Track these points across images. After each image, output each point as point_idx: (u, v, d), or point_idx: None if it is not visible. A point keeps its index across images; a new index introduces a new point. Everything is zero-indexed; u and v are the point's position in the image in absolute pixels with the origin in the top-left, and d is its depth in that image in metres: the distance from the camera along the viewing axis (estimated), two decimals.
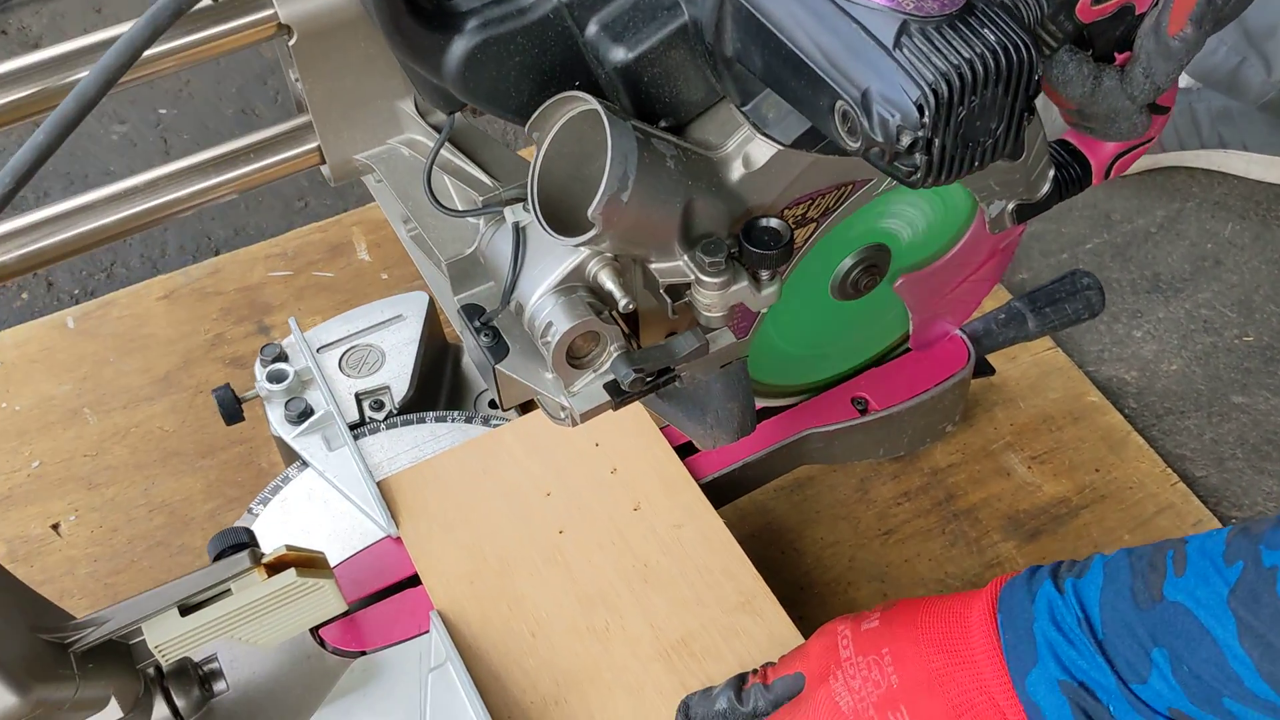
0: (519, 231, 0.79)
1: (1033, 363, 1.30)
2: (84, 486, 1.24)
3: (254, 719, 0.95)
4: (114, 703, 0.89)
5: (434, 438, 1.12)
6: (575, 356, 0.80)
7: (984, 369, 1.22)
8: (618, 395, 0.81)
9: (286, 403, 1.12)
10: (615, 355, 0.80)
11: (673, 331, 0.84)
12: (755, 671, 0.89)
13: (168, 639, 0.89)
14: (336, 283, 1.41)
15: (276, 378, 1.13)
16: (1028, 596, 0.77)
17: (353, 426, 1.13)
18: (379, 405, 1.15)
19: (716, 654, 0.95)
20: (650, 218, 0.73)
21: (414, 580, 1.03)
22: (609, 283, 0.77)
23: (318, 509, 1.08)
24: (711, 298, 0.77)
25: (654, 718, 0.92)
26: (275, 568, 0.92)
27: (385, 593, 1.02)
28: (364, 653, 0.98)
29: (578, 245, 0.73)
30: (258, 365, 1.15)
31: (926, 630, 0.81)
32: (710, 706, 0.89)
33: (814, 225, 0.88)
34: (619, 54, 0.72)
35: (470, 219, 0.82)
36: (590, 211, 0.70)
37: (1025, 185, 0.97)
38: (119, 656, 0.91)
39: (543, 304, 0.77)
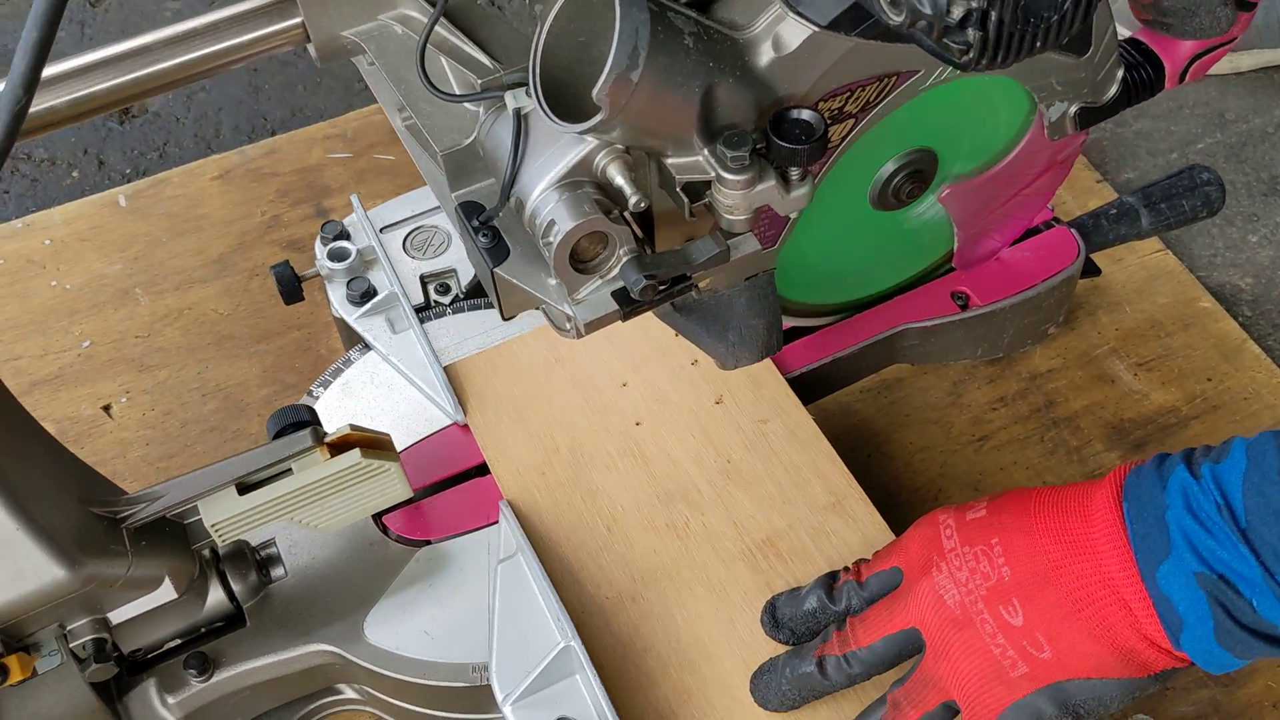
0: (520, 119, 0.71)
1: (1140, 265, 1.21)
2: (135, 368, 1.19)
3: (313, 606, 0.90)
4: (168, 583, 0.84)
5: (502, 324, 1.06)
6: (581, 260, 0.73)
7: (1089, 269, 1.13)
8: (627, 305, 0.74)
9: (349, 282, 1.06)
10: (625, 260, 0.73)
11: (691, 238, 0.76)
12: (847, 569, 0.83)
13: (224, 518, 0.84)
14: (398, 166, 1.34)
15: (338, 256, 1.07)
16: (1159, 484, 0.70)
17: (418, 310, 1.06)
18: (444, 289, 1.09)
19: (804, 555, 0.89)
20: (665, 103, 0.66)
21: (481, 469, 0.97)
22: (618, 178, 0.69)
23: (381, 393, 1.02)
24: (734, 198, 0.69)
25: (737, 618, 0.86)
26: (338, 448, 0.86)
27: (451, 482, 0.97)
28: (429, 542, 0.93)
29: (583, 132, 0.65)
30: (318, 244, 1.09)
31: (1041, 519, 0.74)
32: (798, 606, 0.83)
33: (851, 122, 0.80)
34: None
35: (468, 105, 0.74)
36: (595, 92, 0.63)
37: (1090, 86, 0.88)
38: (174, 536, 0.86)
39: (545, 200, 0.70)
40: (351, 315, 1.05)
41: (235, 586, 0.89)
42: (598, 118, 0.64)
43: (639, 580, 0.89)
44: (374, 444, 0.87)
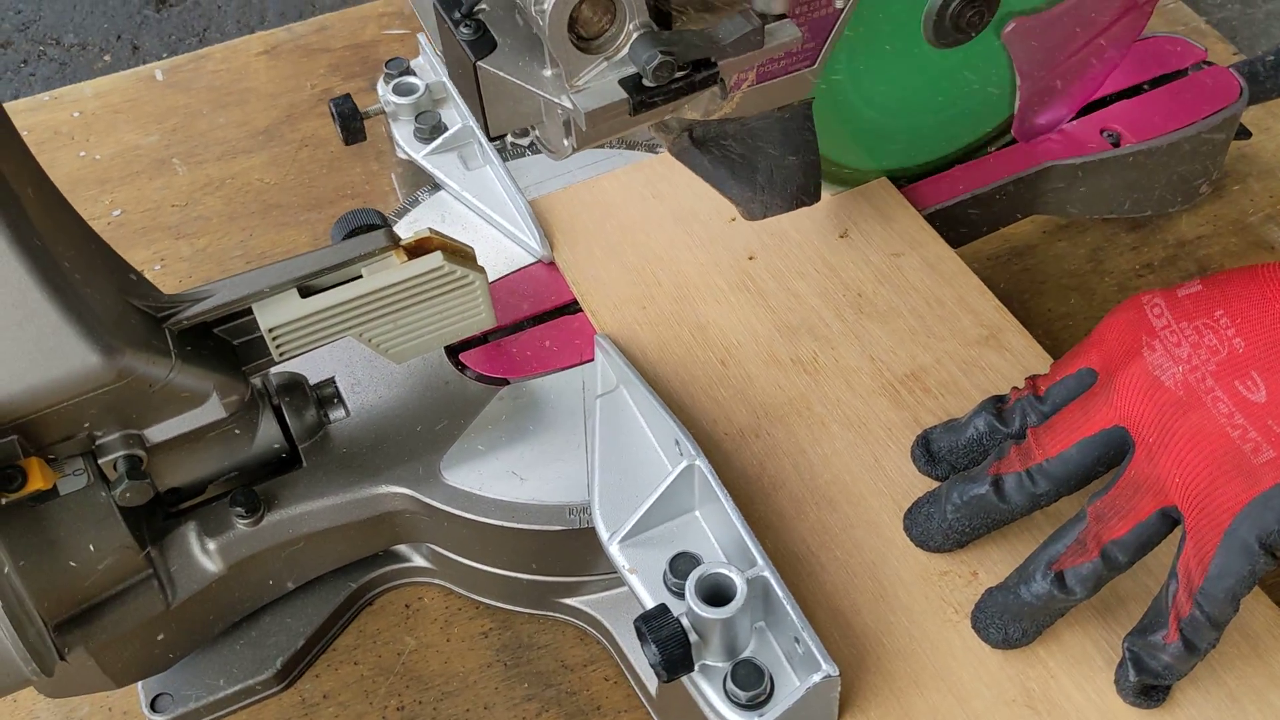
0: None
1: None
2: (171, 236, 1.07)
3: (380, 447, 0.78)
4: (215, 401, 0.71)
5: (590, 163, 0.94)
6: (583, 35, 0.61)
7: (1240, 131, 1.01)
8: (638, 94, 0.61)
9: (417, 117, 0.95)
10: (636, 35, 0.60)
11: None
12: (1016, 389, 0.70)
13: (283, 322, 0.72)
14: None
15: (405, 90, 0.95)
16: None
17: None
18: (523, 131, 0.97)
19: (956, 388, 0.76)
20: None
21: (567, 309, 0.85)
22: None
23: (454, 231, 0.89)
24: None
25: (881, 455, 0.73)
26: (416, 252, 0.74)
27: (534, 322, 0.84)
28: (512, 381, 0.81)
29: None
30: (381, 82, 0.97)
31: (1276, 286, 0.61)
32: (959, 435, 0.70)
33: None
34: None
35: None
36: None
37: None
38: (224, 351, 0.73)
39: None
40: (420, 153, 0.93)
41: (290, 422, 0.77)
42: None
43: (762, 416, 0.76)
44: (457, 251, 0.75)
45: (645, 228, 0.87)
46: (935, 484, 0.71)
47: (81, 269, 0.65)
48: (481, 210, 0.90)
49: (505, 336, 0.83)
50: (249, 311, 0.72)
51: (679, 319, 0.81)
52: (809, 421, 0.75)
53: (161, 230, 1.08)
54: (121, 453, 0.69)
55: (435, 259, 0.73)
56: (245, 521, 0.74)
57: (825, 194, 0.86)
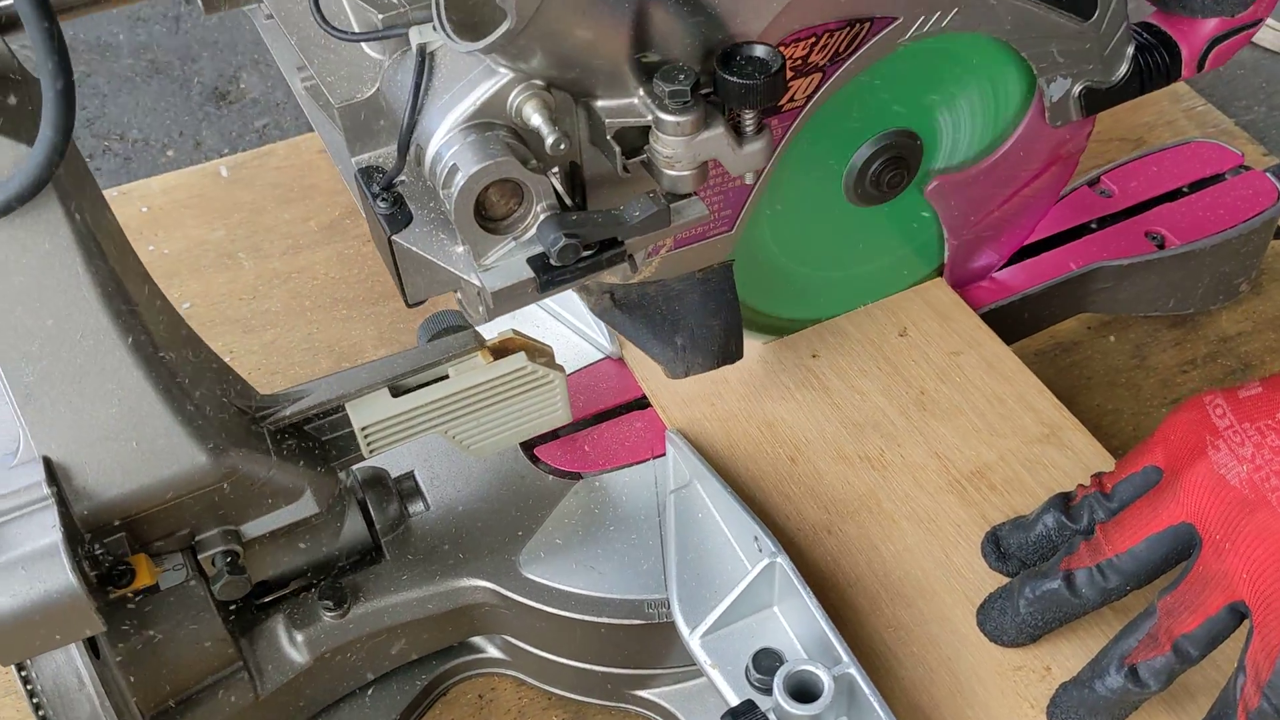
0: (425, 56, 0.60)
1: None
2: (240, 329, 1.11)
3: (459, 541, 0.80)
4: (308, 497, 0.74)
5: None
6: (490, 216, 0.61)
7: (1277, 230, 1.05)
8: (545, 272, 0.61)
9: None
10: (544, 217, 0.60)
11: None
12: (1081, 486, 0.72)
13: (375, 421, 0.74)
14: None
15: None
16: None
17: None
18: None
19: (1020, 486, 0.79)
20: (587, 19, 0.56)
21: (637, 405, 0.87)
22: (535, 116, 0.59)
23: (522, 328, 0.93)
24: (675, 147, 0.59)
25: (952, 551, 0.75)
26: (500, 353, 0.77)
27: (606, 417, 0.87)
28: (586, 475, 0.83)
29: (487, 49, 0.55)
30: None
31: None
32: (1028, 533, 0.73)
33: (818, 76, 0.70)
34: None
35: (370, 50, 0.63)
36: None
37: (1097, 60, 0.79)
38: (314, 447, 0.76)
39: (449, 143, 0.59)
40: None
41: (375, 516, 0.79)
42: (503, 27, 0.54)
43: (833, 512, 0.78)
44: (538, 351, 0.78)
45: None
46: (1005, 579, 0.74)
47: (188, 370, 0.68)
48: (550, 307, 0.93)
49: (577, 431, 0.86)
50: (341, 409, 0.76)
51: (747, 415, 0.84)
52: (879, 518, 0.78)
53: (229, 323, 1.11)
54: (220, 548, 0.71)
55: (519, 359, 0.76)
56: (332, 614, 0.77)
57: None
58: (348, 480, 0.80)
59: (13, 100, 0.61)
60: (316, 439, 0.77)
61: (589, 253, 0.61)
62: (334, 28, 0.61)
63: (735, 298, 0.78)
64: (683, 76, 0.58)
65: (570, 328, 0.92)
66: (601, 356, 0.90)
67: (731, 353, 0.80)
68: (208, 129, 1.41)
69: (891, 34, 0.70)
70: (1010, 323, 0.93)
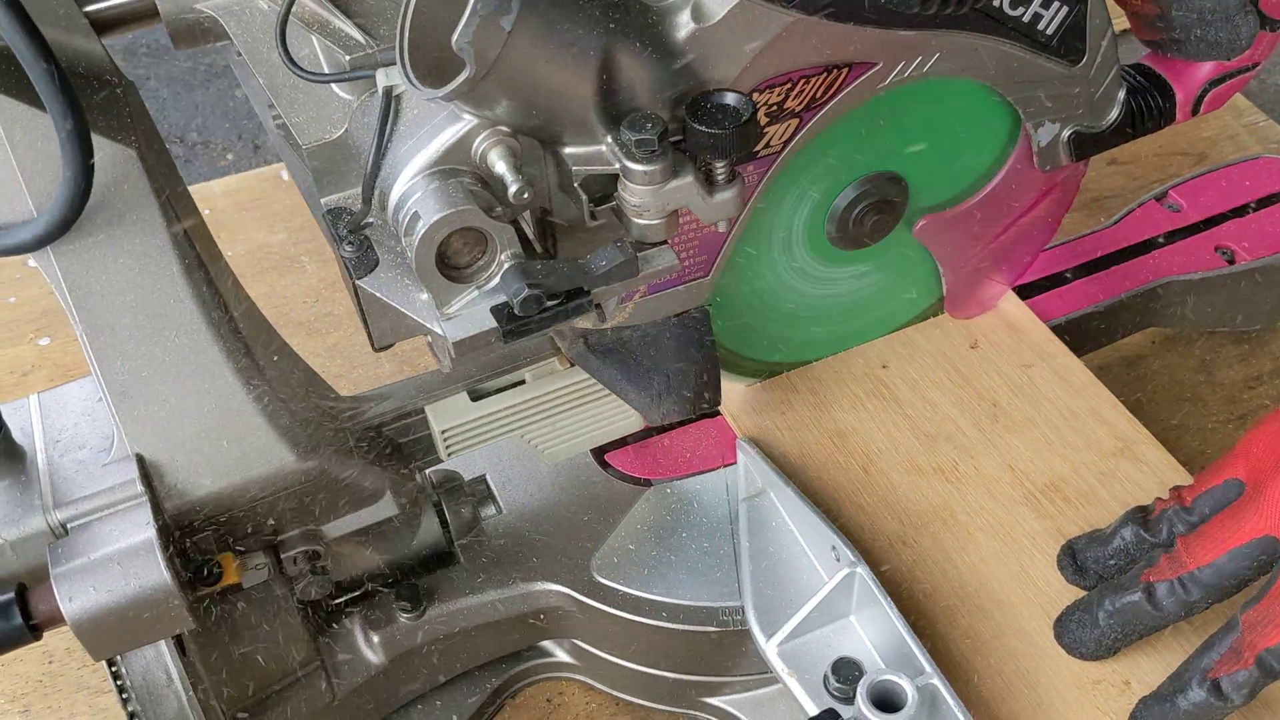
0: (391, 98, 0.59)
1: None
2: (304, 332, 1.11)
3: (531, 545, 0.80)
4: (388, 498, 0.75)
5: None
6: (453, 264, 0.60)
7: None
8: (508, 322, 0.60)
9: None
10: (508, 266, 0.59)
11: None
12: (1160, 500, 0.72)
13: (455, 424, 0.75)
14: None
15: None
16: None
17: None
18: None
19: (1095, 499, 0.78)
20: (550, 66, 0.56)
21: (709, 413, 0.87)
22: (499, 163, 0.58)
23: None
24: (643, 195, 0.58)
25: (1028, 564, 0.75)
26: None
27: (675, 425, 0.87)
28: (655, 482, 0.83)
29: (448, 97, 0.54)
30: None
31: None
32: (1104, 546, 0.73)
33: (795, 123, 0.68)
34: None
35: (339, 91, 0.62)
36: (456, 39, 0.52)
37: (1086, 104, 0.76)
38: (393, 449, 0.77)
39: (412, 189, 0.58)
40: None
41: (449, 519, 0.80)
42: (463, 75, 0.53)
43: (908, 523, 0.78)
44: None
45: None
46: (1081, 592, 0.73)
47: (276, 371, 0.69)
48: None
49: (648, 438, 0.86)
50: (420, 412, 0.76)
51: (818, 424, 0.84)
52: (954, 529, 0.78)
53: (293, 326, 1.12)
54: (302, 548, 0.72)
55: None
56: (408, 615, 0.77)
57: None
58: (422, 483, 0.80)
59: (107, 100, 0.62)
60: (395, 441, 0.78)
61: (554, 302, 0.60)
62: (301, 69, 0.60)
63: (712, 343, 0.76)
64: (650, 125, 0.57)
65: None
66: None
67: (707, 399, 0.78)
68: (265, 134, 1.42)
69: (871, 79, 0.68)
70: (1079, 336, 0.93)
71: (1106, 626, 0.69)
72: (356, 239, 0.62)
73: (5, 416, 0.67)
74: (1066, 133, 0.77)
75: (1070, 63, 0.73)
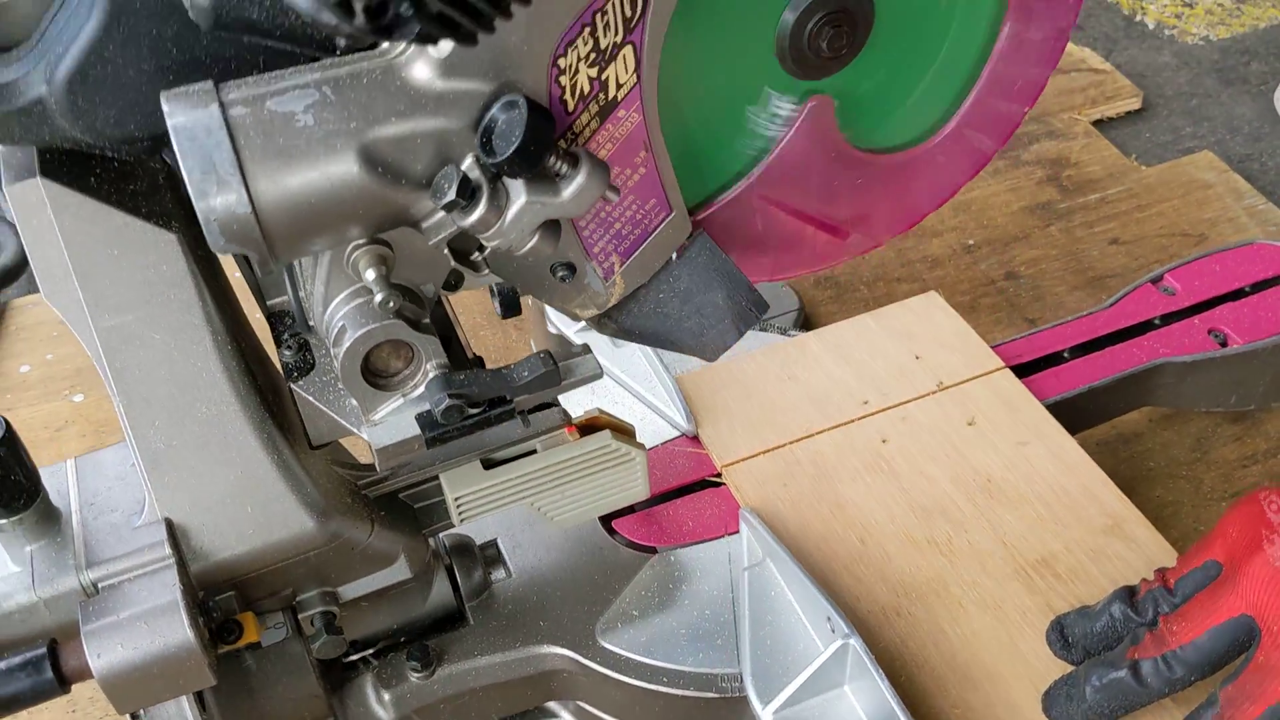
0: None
1: None
2: None
3: (539, 609, 0.83)
4: (402, 562, 0.78)
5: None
6: (381, 373, 0.63)
7: None
8: (431, 428, 0.62)
9: None
10: (432, 376, 0.62)
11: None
12: (1146, 580, 0.75)
13: (468, 491, 0.78)
14: None
15: None
16: None
17: None
18: None
19: (1085, 576, 0.81)
20: (317, 195, 0.55)
21: (712, 483, 0.91)
22: (368, 272, 0.59)
23: (600, 404, 0.97)
24: (495, 236, 0.57)
25: (1018, 637, 0.78)
26: (587, 430, 0.81)
27: (680, 493, 0.91)
28: (660, 550, 0.86)
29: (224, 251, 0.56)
30: None
31: None
32: (1092, 624, 0.75)
33: (629, 49, 0.59)
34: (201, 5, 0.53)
35: None
36: (212, 245, 0.54)
37: None
38: (408, 516, 0.80)
39: (337, 307, 0.61)
40: (571, 329, 1.01)
41: (460, 581, 0.83)
42: (257, 261, 0.55)
43: (902, 594, 0.81)
44: (621, 430, 0.82)
45: (783, 408, 0.94)
46: (1069, 667, 0.76)
47: (298, 439, 0.72)
48: (629, 385, 0.97)
49: (653, 506, 0.89)
50: (435, 479, 0.79)
51: (818, 496, 0.87)
52: (947, 602, 0.80)
53: None
54: (319, 609, 0.75)
55: (604, 437, 0.80)
56: (419, 675, 0.80)
57: (938, 376, 0.93)
58: (436, 547, 0.84)
59: (150, 186, 0.66)
60: (410, 506, 0.81)
61: (477, 410, 0.62)
62: None
63: (724, 258, 0.71)
64: (446, 184, 0.55)
65: (648, 405, 0.96)
66: (678, 434, 0.94)
67: (751, 310, 0.73)
68: None
69: None
70: (1075, 414, 0.96)
71: (1094, 701, 0.72)
72: (295, 342, 0.66)
73: (44, 479, 0.71)
74: None
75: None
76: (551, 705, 0.87)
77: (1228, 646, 0.68)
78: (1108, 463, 1.04)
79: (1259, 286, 1.03)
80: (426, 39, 0.46)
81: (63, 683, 0.65)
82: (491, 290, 1.04)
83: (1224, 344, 0.98)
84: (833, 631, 0.75)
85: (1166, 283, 1.03)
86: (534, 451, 0.80)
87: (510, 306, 1.05)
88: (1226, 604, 0.68)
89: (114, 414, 0.68)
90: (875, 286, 1.22)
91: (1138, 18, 1.63)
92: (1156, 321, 1.01)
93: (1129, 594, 0.75)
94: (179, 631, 0.65)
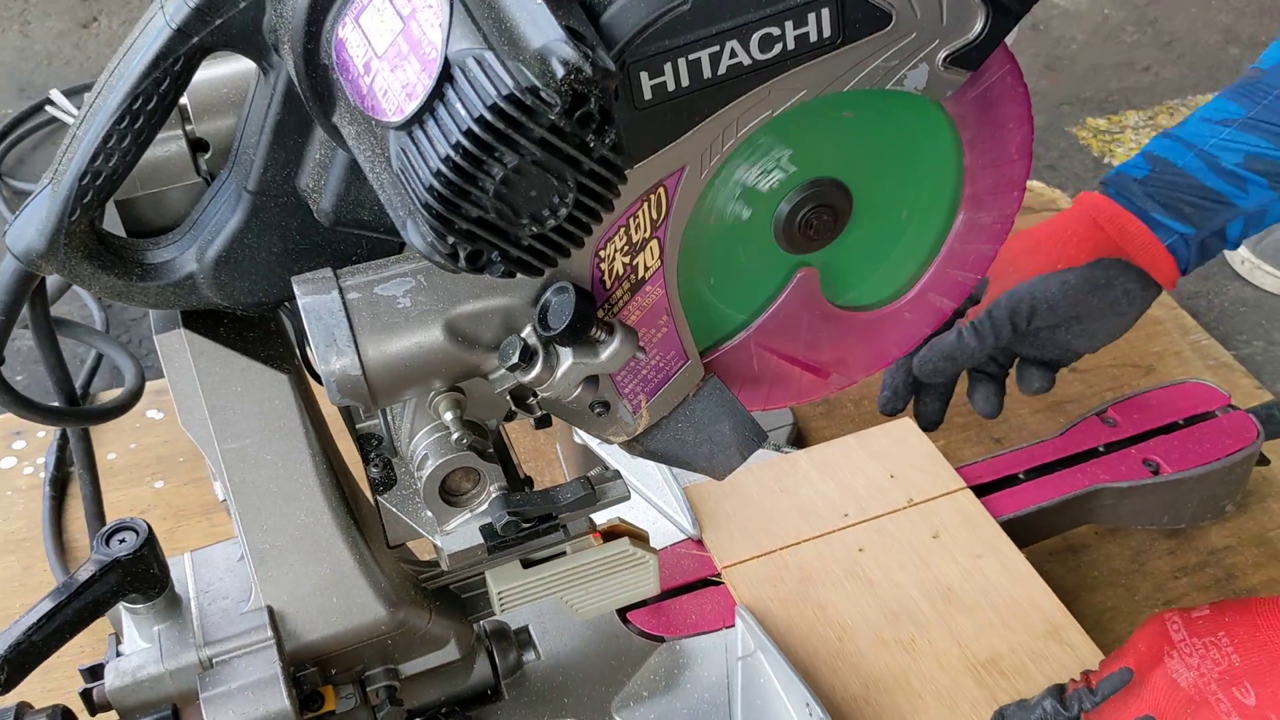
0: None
1: None
2: None
3: (562, 689, 0.98)
4: (452, 644, 0.93)
5: None
6: (452, 493, 0.79)
7: (1260, 459, 1.22)
8: (492, 538, 0.78)
9: None
10: (494, 496, 0.78)
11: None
12: (1074, 680, 0.90)
13: (509, 586, 0.93)
14: None
15: None
16: None
17: None
18: None
19: (1025, 674, 0.96)
20: (412, 362, 0.70)
21: (713, 582, 1.06)
22: (447, 414, 0.75)
23: (622, 513, 1.12)
24: (548, 389, 0.71)
25: None
26: (609, 535, 0.96)
27: (684, 590, 1.06)
28: (667, 639, 1.01)
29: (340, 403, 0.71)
30: None
31: (1265, 617, 0.81)
32: (1029, 714, 0.90)
33: (654, 242, 0.73)
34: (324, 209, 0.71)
35: None
36: (330, 397, 0.69)
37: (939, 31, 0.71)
38: (457, 604, 0.95)
39: (421, 437, 0.77)
40: (596, 441, 1.17)
41: (498, 661, 0.98)
42: (342, 400, 0.69)
43: (870, 686, 0.96)
44: (638, 536, 0.97)
45: (775, 518, 1.09)
46: None
47: (374, 539, 0.88)
48: (644, 493, 1.13)
49: (662, 601, 1.04)
50: (481, 575, 0.95)
51: (803, 598, 1.02)
52: (908, 693, 0.95)
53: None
54: (384, 683, 0.90)
55: (624, 543, 0.95)
56: None
57: (909, 493, 1.09)
58: (478, 631, 0.98)
59: (266, 333, 0.82)
60: (458, 596, 0.97)
61: (529, 525, 0.79)
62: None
63: (730, 397, 0.84)
64: (510, 350, 0.69)
65: (660, 511, 1.11)
66: (684, 537, 1.09)
67: (752, 439, 0.86)
68: None
69: (691, 179, 0.71)
70: (1026, 529, 1.11)
71: None
72: (380, 460, 0.82)
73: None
74: (940, 57, 0.73)
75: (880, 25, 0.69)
76: None
77: None
78: (1057, 570, 1.19)
79: (1190, 420, 1.19)
80: (508, 274, 0.62)
81: None
82: None
83: (1156, 472, 1.13)
84: (810, 715, 0.90)
85: (1109, 415, 1.19)
86: (564, 554, 0.96)
87: (543, 420, 1.21)
88: (1135, 704, 0.84)
89: (190, 501, 0.82)
90: (861, 405, 1.38)
91: (1106, 159, 1.81)
92: (1100, 450, 1.16)
93: (1059, 691, 0.90)
94: (279, 701, 0.80)
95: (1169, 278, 1.10)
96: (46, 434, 1.33)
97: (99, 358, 1.49)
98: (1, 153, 1.96)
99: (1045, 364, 1.15)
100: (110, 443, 1.31)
